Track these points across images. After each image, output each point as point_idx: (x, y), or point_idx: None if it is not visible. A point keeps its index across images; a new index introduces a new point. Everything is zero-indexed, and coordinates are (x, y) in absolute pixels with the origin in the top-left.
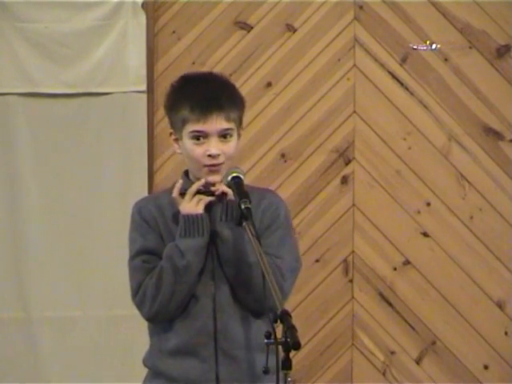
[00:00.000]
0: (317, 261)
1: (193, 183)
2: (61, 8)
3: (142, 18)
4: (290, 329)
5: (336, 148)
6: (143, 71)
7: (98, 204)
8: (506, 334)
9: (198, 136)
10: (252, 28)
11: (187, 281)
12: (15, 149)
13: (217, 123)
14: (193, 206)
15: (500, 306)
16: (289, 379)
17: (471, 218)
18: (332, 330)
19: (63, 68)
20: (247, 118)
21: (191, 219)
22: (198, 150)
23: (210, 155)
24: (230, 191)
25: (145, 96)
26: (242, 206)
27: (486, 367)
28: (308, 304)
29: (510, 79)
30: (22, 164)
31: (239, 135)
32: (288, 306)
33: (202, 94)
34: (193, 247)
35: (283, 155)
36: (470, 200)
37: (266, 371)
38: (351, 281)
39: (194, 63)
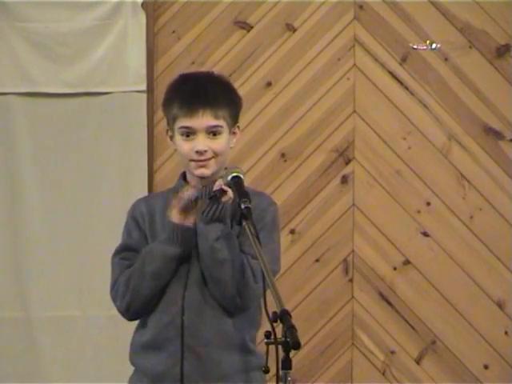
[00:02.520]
0: (317, 260)
1: (186, 184)
2: (61, 8)
3: (142, 17)
4: (290, 328)
5: (336, 147)
6: (143, 71)
7: (97, 204)
8: (506, 333)
9: (187, 132)
10: (252, 28)
11: (153, 285)
12: (15, 149)
13: (203, 119)
14: (183, 216)
15: (500, 305)
16: (289, 379)
17: (471, 217)
18: (332, 329)
19: (63, 68)
20: (247, 117)
21: (179, 230)
22: (187, 146)
23: (197, 151)
24: (229, 190)
25: (145, 96)
26: (242, 206)
27: (486, 367)
28: (308, 304)
29: (510, 79)
30: (22, 164)
31: (234, 133)
32: (288, 306)
33: (191, 91)
34: (168, 255)
35: (283, 155)
36: (469, 200)
37: (266, 371)
38: (351, 280)
39: (193, 63)
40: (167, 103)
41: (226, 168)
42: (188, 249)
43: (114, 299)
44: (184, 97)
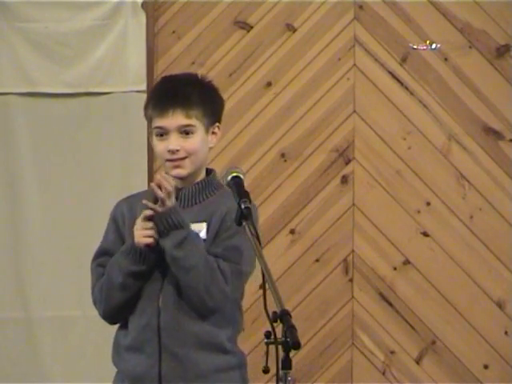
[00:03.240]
0: (317, 260)
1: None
2: (61, 8)
3: (142, 17)
4: (290, 328)
5: (336, 148)
6: (143, 71)
7: (97, 204)
8: (506, 333)
9: (161, 132)
10: (252, 28)
11: (122, 295)
12: (15, 149)
13: (174, 119)
14: (142, 235)
15: (500, 305)
16: (289, 379)
17: (471, 217)
18: (332, 329)
19: (63, 68)
20: (247, 117)
21: (137, 249)
22: (160, 146)
23: (169, 150)
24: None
25: (145, 96)
26: (242, 206)
27: (485, 367)
28: (308, 304)
29: (510, 79)
30: (22, 164)
31: (213, 133)
32: (288, 306)
33: (163, 92)
34: (131, 271)
35: (283, 155)
36: (469, 200)
37: (266, 371)
38: (351, 280)
39: (193, 63)
40: (146, 105)
41: (207, 170)
42: (151, 264)
43: (94, 305)
44: (157, 97)
